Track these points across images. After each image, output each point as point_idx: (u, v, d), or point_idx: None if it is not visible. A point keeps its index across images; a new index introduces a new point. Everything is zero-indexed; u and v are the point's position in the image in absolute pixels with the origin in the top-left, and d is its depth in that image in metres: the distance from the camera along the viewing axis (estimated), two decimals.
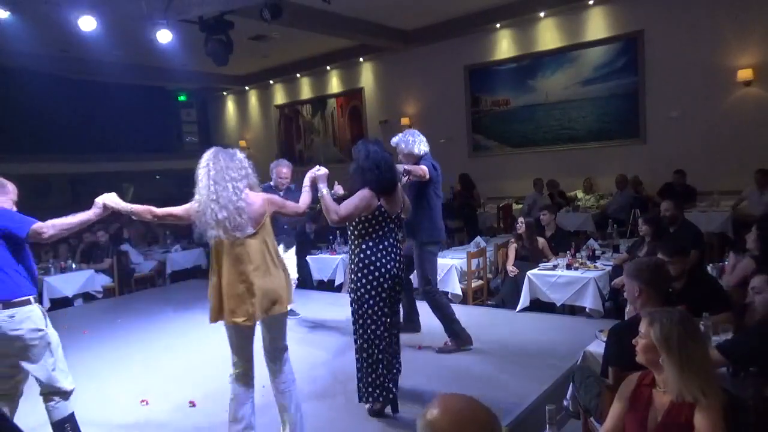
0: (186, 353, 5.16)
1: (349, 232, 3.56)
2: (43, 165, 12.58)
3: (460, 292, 6.24)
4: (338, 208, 3.33)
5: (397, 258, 3.50)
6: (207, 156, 3.01)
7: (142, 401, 4.02)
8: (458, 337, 4.65)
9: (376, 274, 3.39)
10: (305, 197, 3.35)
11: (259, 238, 3.01)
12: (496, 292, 6.39)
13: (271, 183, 5.55)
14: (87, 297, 7.75)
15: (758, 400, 2.20)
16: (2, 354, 2.85)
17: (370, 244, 3.42)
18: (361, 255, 3.42)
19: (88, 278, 7.67)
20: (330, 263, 7.32)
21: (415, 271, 4.83)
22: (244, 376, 3.05)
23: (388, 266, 3.42)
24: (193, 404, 3.91)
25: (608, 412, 2.26)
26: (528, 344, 4.73)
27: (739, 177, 7.71)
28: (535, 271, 5.67)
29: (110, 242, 8.40)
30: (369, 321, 3.40)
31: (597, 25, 9.28)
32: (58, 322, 6.57)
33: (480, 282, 6.49)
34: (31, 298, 2.90)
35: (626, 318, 3.49)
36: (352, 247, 3.53)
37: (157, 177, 15.12)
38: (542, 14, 9.66)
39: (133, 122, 13.73)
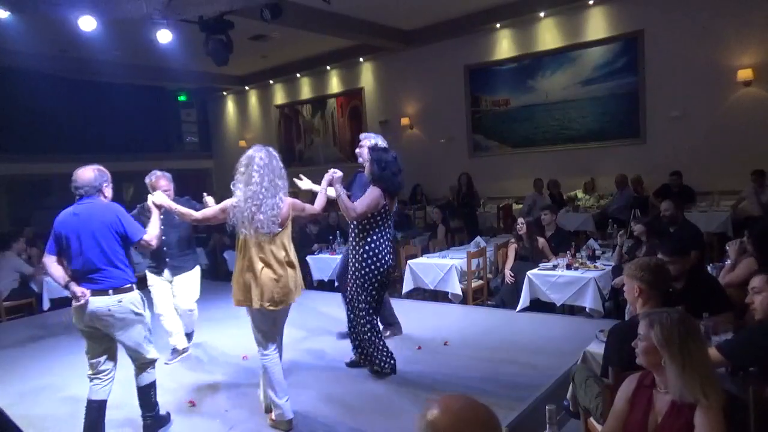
0: (185, 353, 5.15)
1: (352, 227, 3.97)
2: (43, 165, 12.57)
3: (460, 292, 6.24)
4: (355, 206, 3.78)
5: (392, 249, 4.06)
6: (258, 157, 3.28)
7: None
8: (394, 326, 5.08)
9: (378, 264, 3.93)
10: (321, 199, 3.70)
11: (281, 237, 3.34)
12: (496, 292, 6.39)
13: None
14: None
15: (758, 400, 2.20)
16: (108, 331, 3.22)
17: (375, 237, 3.93)
18: (366, 247, 3.92)
19: None
20: (330, 263, 7.31)
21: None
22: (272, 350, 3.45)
23: (387, 257, 4.01)
24: (193, 404, 3.92)
25: (608, 413, 2.26)
26: (528, 344, 4.73)
27: (739, 177, 7.71)
28: (535, 271, 5.67)
29: None
30: (373, 302, 3.98)
31: (597, 25, 9.28)
32: (58, 322, 6.64)
33: (480, 282, 6.49)
34: (133, 285, 3.30)
35: (626, 318, 3.50)
36: (357, 240, 3.95)
37: None
38: (542, 14, 9.66)
39: (133, 122, 13.71)
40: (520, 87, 10.25)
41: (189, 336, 5.11)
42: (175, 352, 4.94)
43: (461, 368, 4.25)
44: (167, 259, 4.69)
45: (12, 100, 11.51)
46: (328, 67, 12.84)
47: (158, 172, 4.68)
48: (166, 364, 4.73)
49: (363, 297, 3.96)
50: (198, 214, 3.49)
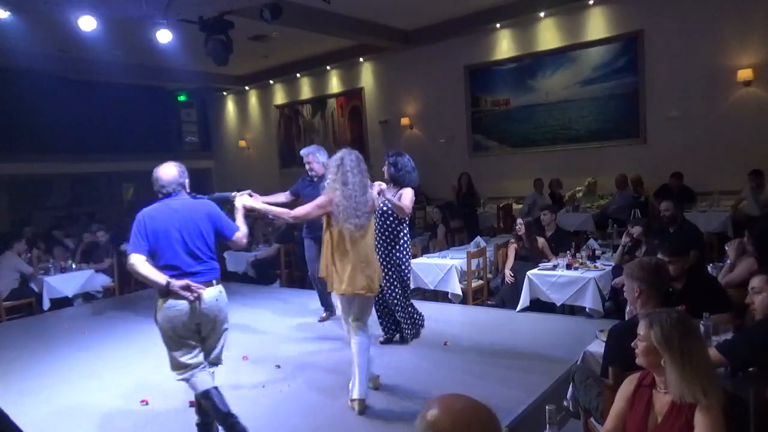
0: None
1: (382, 221, 4.56)
2: (43, 165, 12.57)
3: (460, 292, 6.24)
4: (407, 205, 4.43)
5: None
6: (349, 159, 3.62)
7: (142, 401, 4.02)
8: (331, 308, 5.59)
9: (409, 250, 4.82)
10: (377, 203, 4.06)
11: (369, 230, 3.71)
12: (496, 292, 6.39)
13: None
14: (87, 297, 7.76)
15: (758, 400, 2.20)
16: (212, 323, 3.19)
17: (406, 229, 4.72)
18: (401, 234, 4.66)
19: (88, 278, 7.67)
20: None
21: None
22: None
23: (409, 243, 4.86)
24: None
25: (608, 413, 2.26)
26: (528, 344, 4.73)
27: (738, 177, 7.70)
28: (535, 271, 5.66)
29: (110, 242, 8.40)
30: (408, 280, 4.86)
31: (597, 25, 9.28)
32: (58, 322, 6.64)
33: (480, 282, 6.49)
34: None
35: (626, 318, 3.49)
36: (389, 230, 4.59)
37: None
38: (542, 14, 9.66)
39: (133, 122, 13.71)
40: (520, 87, 10.25)
41: None
42: None
43: (461, 368, 4.25)
44: None
45: (12, 100, 11.51)
46: (328, 67, 12.83)
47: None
48: None
49: (401, 277, 4.70)
50: (294, 213, 3.74)
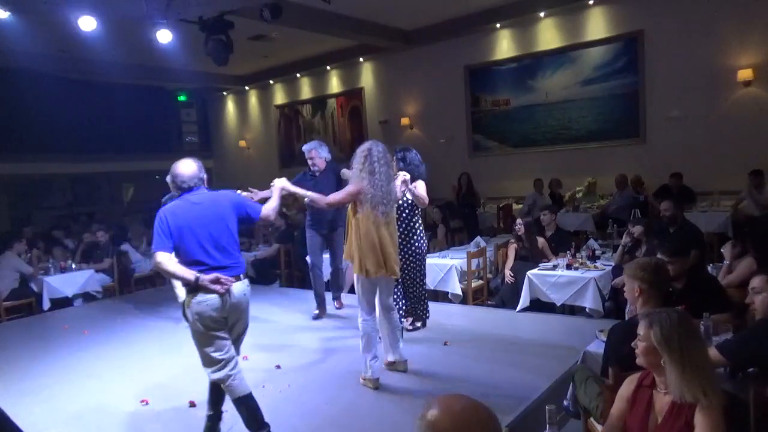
0: (186, 353, 5.14)
1: (401, 211, 4.77)
2: (43, 165, 12.58)
3: (460, 292, 6.24)
4: (425, 195, 4.63)
5: None
6: (375, 150, 3.87)
7: (142, 401, 4.02)
8: (323, 307, 5.97)
9: (425, 238, 5.13)
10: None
11: (392, 217, 4.01)
12: (496, 292, 6.38)
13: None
14: (87, 297, 7.75)
15: (758, 400, 2.20)
16: (238, 316, 3.21)
17: (420, 219, 5.03)
18: (417, 224, 4.95)
19: (88, 278, 7.66)
20: None
21: (332, 251, 5.98)
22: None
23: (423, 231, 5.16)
24: (193, 404, 3.91)
25: (608, 413, 2.27)
26: (528, 344, 4.73)
27: (739, 177, 7.71)
28: (535, 271, 5.66)
29: (110, 242, 8.40)
30: (425, 267, 5.16)
31: (597, 25, 9.28)
32: (58, 322, 6.64)
33: (480, 282, 6.49)
34: None
35: (626, 318, 3.50)
36: (408, 219, 4.86)
37: (157, 177, 15.11)
38: (542, 14, 9.66)
39: (133, 122, 13.72)
40: (520, 87, 10.25)
41: None
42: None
43: (461, 368, 4.25)
44: None
45: (12, 100, 11.52)
46: (328, 67, 12.84)
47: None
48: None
49: (421, 267, 5.05)
50: (329, 199, 3.96)
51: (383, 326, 4.10)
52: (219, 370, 3.12)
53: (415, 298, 5.16)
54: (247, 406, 3.16)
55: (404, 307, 5.11)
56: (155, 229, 3.04)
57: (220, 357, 3.12)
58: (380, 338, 4.17)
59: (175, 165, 3.21)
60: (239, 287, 3.14)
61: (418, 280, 5.09)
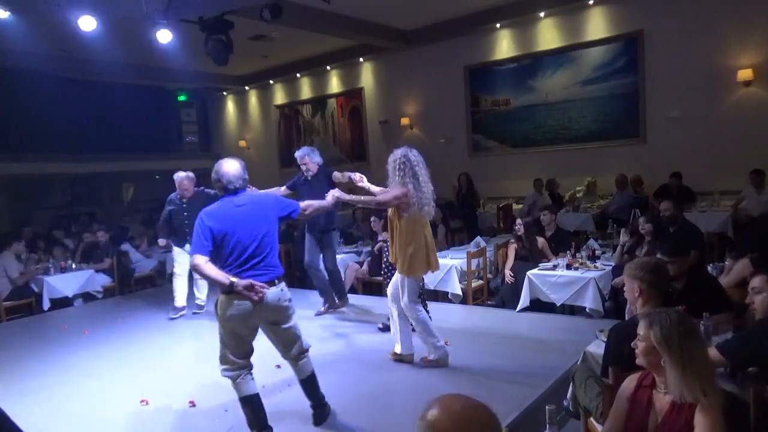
0: (186, 353, 5.16)
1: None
2: (43, 165, 12.57)
3: (460, 292, 6.24)
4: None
5: None
6: (412, 155, 4.11)
7: (142, 401, 4.02)
8: (332, 300, 6.11)
9: None
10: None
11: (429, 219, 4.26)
12: (496, 292, 6.38)
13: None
14: (87, 297, 7.75)
15: (758, 400, 2.20)
16: (274, 321, 3.25)
17: None
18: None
19: (88, 278, 7.66)
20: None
21: (323, 253, 6.04)
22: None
23: None
24: (193, 404, 3.92)
25: (608, 413, 2.26)
26: (528, 344, 4.73)
27: (739, 177, 7.71)
28: (535, 271, 5.66)
29: (110, 242, 8.40)
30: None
31: (597, 25, 9.28)
32: (58, 322, 6.64)
33: (480, 282, 6.49)
34: None
35: (626, 318, 3.50)
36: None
37: (157, 177, 15.13)
38: (542, 14, 9.66)
39: (133, 122, 13.73)
40: (520, 87, 10.25)
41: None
42: (176, 309, 6.42)
43: (461, 368, 4.25)
44: (188, 235, 5.77)
45: (12, 100, 11.52)
46: (328, 67, 12.84)
47: (182, 173, 6.34)
48: (171, 319, 6.36)
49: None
50: (378, 199, 4.20)
51: (404, 320, 4.31)
52: (230, 371, 3.20)
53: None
54: (252, 407, 3.21)
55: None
56: (195, 232, 3.10)
57: (236, 360, 3.18)
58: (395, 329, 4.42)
59: (219, 164, 3.24)
60: (273, 292, 3.15)
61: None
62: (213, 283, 3.12)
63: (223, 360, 3.21)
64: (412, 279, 4.17)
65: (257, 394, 3.24)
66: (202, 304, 6.51)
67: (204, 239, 3.05)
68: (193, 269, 3.15)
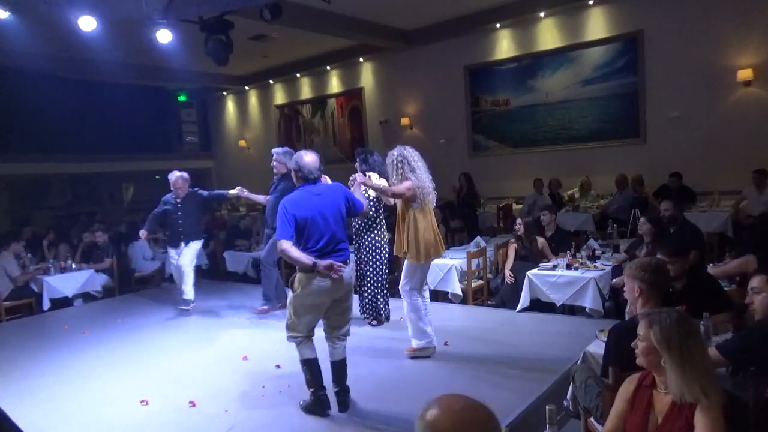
0: (186, 353, 5.16)
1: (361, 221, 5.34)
2: (43, 165, 12.58)
3: (460, 292, 6.24)
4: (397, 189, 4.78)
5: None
6: (408, 151, 4.39)
7: (142, 401, 4.02)
8: (271, 301, 6.31)
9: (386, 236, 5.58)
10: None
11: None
12: (496, 292, 6.38)
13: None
14: (87, 297, 7.75)
15: (758, 400, 2.20)
16: (342, 297, 3.58)
17: (383, 218, 5.58)
18: (379, 219, 5.47)
19: (88, 278, 7.66)
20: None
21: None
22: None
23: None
24: (193, 404, 3.91)
25: (608, 413, 2.26)
26: (528, 344, 4.73)
27: (739, 177, 7.71)
28: (535, 271, 5.66)
29: (110, 242, 8.40)
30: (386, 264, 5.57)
31: (597, 25, 9.28)
32: (58, 322, 6.64)
33: (480, 282, 6.49)
34: None
35: (626, 318, 3.49)
36: (373, 217, 5.36)
37: (157, 177, 15.12)
38: (542, 14, 9.66)
39: (133, 122, 13.72)
40: (520, 87, 10.25)
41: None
42: (186, 302, 6.51)
43: (461, 368, 4.25)
44: (182, 234, 6.42)
45: (12, 100, 11.51)
46: (328, 67, 12.84)
47: (177, 173, 6.44)
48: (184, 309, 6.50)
49: (378, 263, 5.46)
50: (394, 189, 4.35)
51: (422, 308, 4.47)
52: (294, 338, 3.59)
53: (370, 295, 5.48)
54: (311, 369, 3.57)
55: (360, 305, 5.44)
56: (279, 218, 3.42)
57: (302, 329, 3.56)
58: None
59: (299, 156, 3.56)
60: (348, 271, 3.52)
61: (373, 275, 5.42)
62: (297, 264, 3.41)
63: (292, 328, 3.59)
64: (425, 267, 4.44)
65: (316, 358, 3.58)
66: (189, 299, 6.52)
67: (288, 225, 3.38)
68: (281, 254, 3.47)
